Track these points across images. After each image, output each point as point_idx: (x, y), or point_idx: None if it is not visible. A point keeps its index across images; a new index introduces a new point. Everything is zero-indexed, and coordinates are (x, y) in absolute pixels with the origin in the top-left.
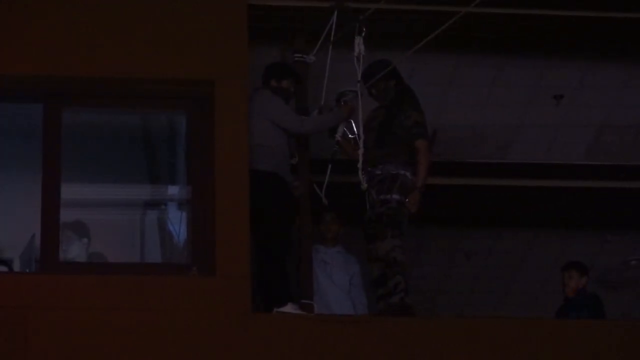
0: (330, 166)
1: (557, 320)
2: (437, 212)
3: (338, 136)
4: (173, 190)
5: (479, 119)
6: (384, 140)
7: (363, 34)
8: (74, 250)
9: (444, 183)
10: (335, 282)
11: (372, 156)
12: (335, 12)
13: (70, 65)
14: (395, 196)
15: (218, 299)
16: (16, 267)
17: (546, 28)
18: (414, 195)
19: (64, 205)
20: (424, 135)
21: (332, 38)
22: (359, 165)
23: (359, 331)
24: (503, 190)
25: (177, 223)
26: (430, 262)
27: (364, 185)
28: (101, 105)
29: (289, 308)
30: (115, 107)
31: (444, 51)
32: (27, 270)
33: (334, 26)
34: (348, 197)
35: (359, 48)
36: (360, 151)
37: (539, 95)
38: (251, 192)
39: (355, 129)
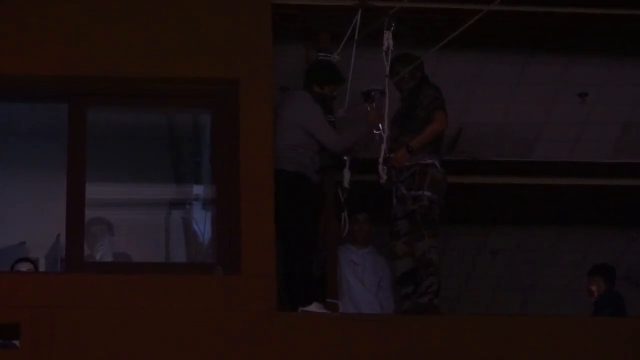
0: (347, 162)
1: (582, 318)
2: (463, 210)
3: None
4: (198, 189)
5: (503, 117)
6: (407, 125)
7: (392, 29)
8: (105, 246)
9: (469, 181)
10: (365, 283)
11: (398, 145)
12: (360, 11)
13: (94, 65)
14: (427, 193)
15: (243, 298)
16: (42, 266)
17: (571, 25)
18: (400, 152)
19: (89, 205)
20: (441, 108)
21: (356, 36)
22: (380, 160)
23: (384, 330)
24: (528, 188)
25: (202, 222)
26: (456, 260)
27: (383, 178)
28: (126, 105)
29: (314, 307)
30: (140, 106)
31: (469, 49)
32: (53, 270)
33: (358, 25)
34: (372, 195)
35: (388, 42)
36: (383, 146)
37: (564, 93)
38: (277, 192)
39: (380, 125)
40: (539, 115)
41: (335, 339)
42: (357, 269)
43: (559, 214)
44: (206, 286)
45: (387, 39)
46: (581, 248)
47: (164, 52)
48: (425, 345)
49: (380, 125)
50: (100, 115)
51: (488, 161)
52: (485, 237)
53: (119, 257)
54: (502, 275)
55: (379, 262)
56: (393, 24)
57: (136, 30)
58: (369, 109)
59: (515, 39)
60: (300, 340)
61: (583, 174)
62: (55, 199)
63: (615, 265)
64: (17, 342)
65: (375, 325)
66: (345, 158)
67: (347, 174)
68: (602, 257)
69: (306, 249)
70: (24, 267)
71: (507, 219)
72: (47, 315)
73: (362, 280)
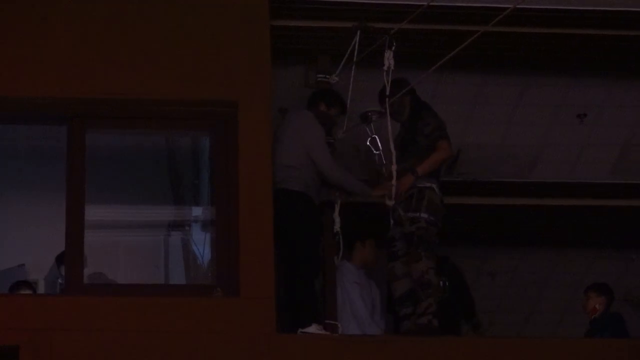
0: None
1: (581, 340)
2: (462, 232)
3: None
4: (197, 211)
5: (503, 138)
6: (407, 151)
7: (393, 48)
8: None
9: (469, 202)
10: (366, 303)
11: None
12: (359, 32)
13: (94, 87)
14: (424, 215)
15: (242, 320)
16: (41, 288)
17: (570, 47)
18: (406, 178)
19: (88, 227)
20: (445, 137)
21: (355, 58)
22: (393, 182)
23: (384, 351)
24: (527, 210)
25: (201, 244)
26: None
27: (391, 202)
28: (125, 127)
29: (313, 329)
30: (139, 128)
31: (469, 70)
32: (52, 292)
33: (357, 46)
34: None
35: (389, 62)
36: (394, 167)
37: (563, 114)
38: (279, 212)
39: (380, 145)
40: (538, 137)
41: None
42: (358, 288)
43: (559, 235)
44: (205, 308)
45: (388, 59)
46: (580, 269)
47: (163, 74)
48: None
49: (380, 146)
50: (99, 137)
51: (487, 182)
52: (485, 259)
53: (94, 278)
54: (501, 297)
55: (372, 283)
56: (394, 43)
57: (135, 52)
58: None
59: (514, 60)
60: None
61: (582, 195)
62: (55, 221)
63: (615, 287)
64: None
65: (374, 346)
66: (335, 202)
67: (337, 219)
68: (601, 278)
69: (308, 269)
70: (22, 292)
71: (507, 241)
72: (46, 338)
73: (364, 301)
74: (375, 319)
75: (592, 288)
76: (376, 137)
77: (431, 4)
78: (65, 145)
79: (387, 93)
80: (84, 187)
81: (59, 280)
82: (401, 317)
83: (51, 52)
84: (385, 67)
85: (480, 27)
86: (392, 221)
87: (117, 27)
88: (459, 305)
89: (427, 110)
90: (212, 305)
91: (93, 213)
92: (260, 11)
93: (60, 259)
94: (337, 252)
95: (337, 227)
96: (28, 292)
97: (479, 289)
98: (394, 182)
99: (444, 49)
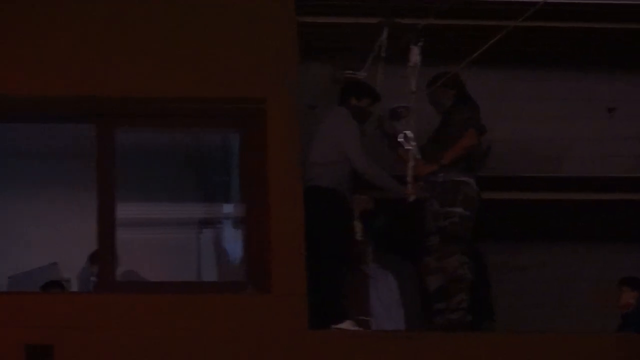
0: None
1: (612, 335)
2: (490, 227)
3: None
4: (228, 208)
5: (530, 133)
6: (440, 142)
7: (420, 44)
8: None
9: (496, 197)
10: (381, 297)
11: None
12: (386, 28)
13: (122, 86)
14: (459, 209)
15: (274, 317)
16: (73, 287)
17: (598, 41)
18: (430, 166)
19: (119, 224)
20: (475, 126)
21: (382, 54)
22: (408, 177)
23: (416, 347)
24: (555, 204)
25: (233, 241)
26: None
27: (412, 197)
28: (153, 125)
29: (346, 325)
30: (167, 126)
31: (496, 65)
32: (85, 290)
33: (384, 42)
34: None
35: (415, 58)
36: (410, 164)
37: (591, 108)
38: (311, 209)
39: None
40: (566, 131)
41: (367, 356)
42: (372, 282)
43: (587, 229)
44: (237, 305)
45: (415, 54)
46: (609, 264)
47: (191, 72)
48: None
49: (410, 141)
50: (128, 135)
51: (515, 177)
52: (513, 254)
53: (126, 276)
54: (530, 292)
55: (387, 276)
56: (421, 39)
57: (163, 50)
58: (399, 125)
59: (542, 55)
60: (333, 358)
61: (611, 189)
62: (87, 219)
63: None
64: None
65: (406, 341)
66: (354, 209)
67: (358, 226)
68: (630, 272)
69: (339, 265)
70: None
71: (535, 235)
72: (80, 336)
73: (378, 295)
74: (392, 314)
75: (626, 282)
76: (407, 132)
77: None
78: (95, 144)
79: (414, 89)
80: (114, 186)
81: (92, 279)
82: (434, 312)
83: (79, 51)
84: (411, 63)
85: (509, 22)
86: (428, 215)
87: (145, 26)
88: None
89: (467, 103)
90: (244, 303)
91: (124, 211)
92: (287, 8)
93: (93, 258)
94: (366, 260)
95: (358, 235)
96: (59, 290)
97: (506, 284)
98: (408, 178)
99: (471, 44)
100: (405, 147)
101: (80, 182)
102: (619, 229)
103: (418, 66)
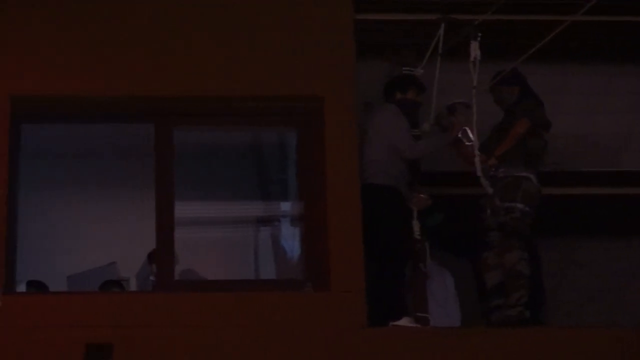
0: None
1: None
2: (549, 222)
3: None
4: (286, 206)
5: (588, 128)
6: (500, 138)
7: (478, 39)
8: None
9: (555, 192)
10: (435, 294)
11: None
12: (443, 25)
13: (180, 85)
14: (520, 205)
15: (333, 314)
16: (132, 286)
17: None
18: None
19: (178, 223)
20: (529, 117)
21: (440, 50)
22: (479, 173)
23: (475, 343)
24: (615, 199)
25: (291, 239)
26: (544, 272)
27: (490, 190)
28: (211, 124)
29: (404, 322)
30: (225, 125)
31: (554, 60)
32: (144, 289)
33: (441, 38)
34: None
35: (475, 53)
36: (477, 159)
37: None
38: (368, 206)
39: (472, 137)
40: (623, 126)
41: (426, 353)
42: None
43: None
44: (296, 303)
45: (475, 49)
46: None
47: (248, 71)
48: (516, 358)
49: (472, 137)
50: (187, 134)
51: (575, 172)
52: (572, 249)
53: (185, 274)
54: (589, 287)
55: (444, 273)
56: (480, 34)
57: (220, 49)
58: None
59: (601, 49)
60: (392, 355)
61: None
62: (146, 219)
63: None
64: None
65: (465, 338)
66: (412, 208)
67: (416, 225)
68: None
69: (397, 262)
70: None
71: (595, 230)
72: (139, 335)
73: (433, 293)
74: (448, 311)
75: None
76: (467, 129)
77: None
78: (154, 143)
79: (474, 84)
80: (172, 185)
81: (151, 278)
82: (492, 308)
83: (137, 51)
84: (472, 58)
85: (567, 17)
86: (488, 211)
87: (201, 25)
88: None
89: (530, 98)
90: (303, 300)
91: (183, 210)
92: (345, 5)
93: (152, 256)
94: (424, 258)
95: (416, 233)
96: (117, 289)
97: (566, 279)
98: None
99: (529, 39)
100: (466, 143)
101: (139, 182)
102: None
103: (478, 61)
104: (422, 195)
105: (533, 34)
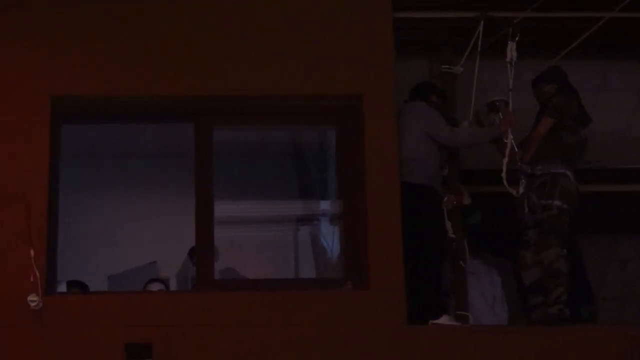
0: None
1: None
2: (591, 220)
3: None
4: (325, 205)
5: (629, 124)
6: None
7: (516, 39)
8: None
9: (596, 190)
10: (484, 293)
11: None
12: (482, 22)
13: (219, 84)
14: (557, 202)
15: (373, 312)
16: (173, 285)
17: None
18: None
19: (217, 223)
20: (554, 116)
21: (479, 48)
22: (503, 174)
23: (515, 341)
24: None
25: (330, 238)
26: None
27: (520, 190)
28: (250, 123)
29: (444, 319)
30: (264, 124)
31: (594, 57)
32: (184, 289)
33: (480, 36)
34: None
35: (512, 54)
36: (505, 160)
37: None
38: (404, 205)
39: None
40: None
41: (466, 351)
42: (473, 278)
43: None
44: (335, 302)
45: (511, 50)
46: None
47: (287, 70)
48: (557, 356)
49: (510, 135)
50: (226, 133)
51: (615, 169)
52: (615, 246)
53: (226, 273)
54: (633, 284)
55: (491, 272)
56: (518, 34)
57: (259, 48)
58: (497, 118)
59: (639, 46)
60: (432, 353)
61: None
62: (185, 218)
63: None
64: None
65: (506, 336)
66: (445, 208)
67: (449, 225)
68: None
69: (435, 261)
70: (155, 287)
71: (637, 227)
72: (179, 334)
73: (481, 291)
74: (496, 309)
75: None
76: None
77: None
78: (193, 143)
79: (511, 86)
80: (212, 184)
81: (192, 274)
82: (531, 307)
83: (177, 50)
84: (508, 59)
85: (606, 14)
86: (525, 209)
87: (240, 24)
88: (577, 292)
89: (562, 96)
90: (343, 299)
91: (222, 209)
92: (383, 3)
93: (192, 252)
94: (463, 256)
95: (450, 233)
96: (160, 287)
97: (609, 276)
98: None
99: (568, 36)
100: (504, 140)
101: (179, 181)
102: None
103: (514, 62)
104: (451, 196)
105: (573, 31)
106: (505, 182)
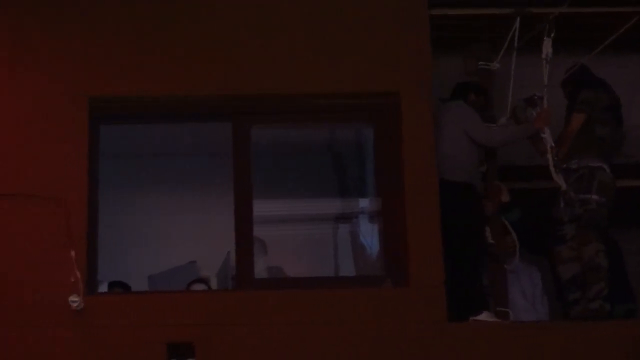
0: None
1: None
2: (630, 214)
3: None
4: (364, 203)
5: None
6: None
7: (552, 36)
8: (259, 265)
9: (634, 185)
10: (525, 290)
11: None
12: (518, 18)
13: (257, 84)
14: (595, 196)
15: (413, 310)
16: (213, 284)
17: None
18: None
19: (257, 221)
20: (584, 110)
21: (515, 44)
22: (551, 167)
23: (556, 337)
24: None
25: (369, 235)
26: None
27: (564, 186)
28: (288, 121)
29: (484, 316)
30: (302, 122)
31: (629, 52)
32: (224, 288)
33: (517, 32)
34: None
35: (547, 50)
36: (549, 155)
37: None
38: (443, 202)
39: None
40: None
41: (507, 347)
42: (513, 276)
43: None
44: (375, 299)
45: (547, 47)
46: None
47: (324, 68)
48: (597, 352)
49: (547, 130)
50: (265, 132)
51: None
52: None
53: (272, 271)
54: None
55: (531, 269)
56: (554, 30)
57: (296, 46)
58: (535, 113)
59: None
60: (473, 350)
61: None
62: (224, 217)
63: None
64: None
65: (546, 332)
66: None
67: (488, 231)
68: None
69: (475, 258)
70: (198, 288)
71: None
72: (221, 333)
73: (521, 288)
74: (536, 306)
75: None
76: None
77: None
78: (231, 142)
79: (545, 83)
80: (250, 183)
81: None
82: (570, 302)
83: (213, 50)
84: (543, 56)
85: None
86: (562, 203)
87: (276, 23)
88: (616, 288)
89: (590, 90)
90: (383, 296)
91: (261, 208)
92: (419, 1)
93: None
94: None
95: (489, 238)
96: (203, 287)
97: None
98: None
99: (605, 31)
100: (541, 135)
101: (217, 180)
102: None
103: (550, 58)
104: (502, 188)
105: (609, 26)
106: (554, 176)
